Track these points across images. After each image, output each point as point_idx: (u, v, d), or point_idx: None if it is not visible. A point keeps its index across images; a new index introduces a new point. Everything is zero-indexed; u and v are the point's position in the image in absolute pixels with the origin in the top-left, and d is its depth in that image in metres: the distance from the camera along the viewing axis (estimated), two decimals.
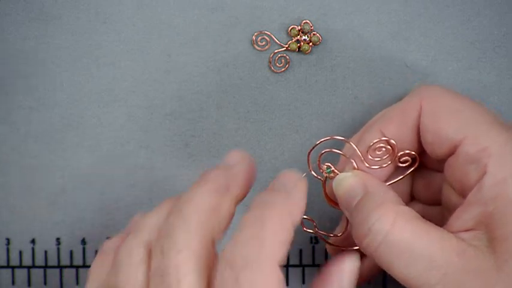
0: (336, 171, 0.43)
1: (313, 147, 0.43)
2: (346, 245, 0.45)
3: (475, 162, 0.39)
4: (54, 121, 0.49)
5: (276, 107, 0.49)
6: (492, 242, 0.38)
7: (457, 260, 0.38)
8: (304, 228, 0.44)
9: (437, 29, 0.48)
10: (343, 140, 0.43)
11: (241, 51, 0.49)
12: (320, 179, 0.44)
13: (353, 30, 0.48)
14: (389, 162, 0.43)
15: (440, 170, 0.43)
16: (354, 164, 0.43)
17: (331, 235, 0.45)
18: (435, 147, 0.41)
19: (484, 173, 0.39)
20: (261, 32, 0.49)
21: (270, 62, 0.49)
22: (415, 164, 0.43)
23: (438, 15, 0.48)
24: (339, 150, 0.44)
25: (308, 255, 0.50)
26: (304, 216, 0.44)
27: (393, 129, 0.42)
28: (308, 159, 0.44)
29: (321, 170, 0.43)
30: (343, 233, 0.44)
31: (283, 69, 0.49)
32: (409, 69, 0.49)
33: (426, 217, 0.45)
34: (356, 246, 0.43)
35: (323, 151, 0.43)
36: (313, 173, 0.44)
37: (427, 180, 0.45)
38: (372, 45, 0.49)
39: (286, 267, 0.50)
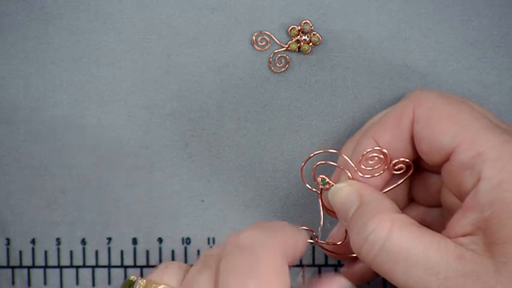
0: (330, 182, 0.43)
1: (306, 160, 0.43)
2: (346, 252, 0.45)
3: (470, 169, 0.39)
4: (54, 121, 0.49)
5: (276, 107, 0.49)
6: (490, 245, 0.38)
7: (455, 265, 0.38)
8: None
9: (437, 29, 0.48)
10: (335, 153, 0.44)
11: (241, 51, 0.49)
12: (316, 191, 0.44)
13: (353, 30, 0.48)
14: (382, 172, 0.43)
15: (439, 172, 0.43)
16: (348, 174, 0.43)
17: (331, 244, 0.45)
18: (430, 155, 0.41)
19: (479, 179, 0.39)
20: (261, 32, 0.49)
21: (270, 62, 0.49)
22: (409, 171, 0.43)
23: (438, 15, 0.48)
24: (332, 161, 0.44)
25: (308, 255, 0.50)
26: (304, 227, 0.44)
27: (387, 137, 0.42)
28: (302, 173, 0.44)
29: (316, 182, 0.43)
30: (342, 241, 0.44)
31: (283, 69, 0.49)
32: (409, 69, 0.49)
33: (426, 220, 0.45)
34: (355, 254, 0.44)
35: (317, 163, 0.43)
36: (308, 186, 0.44)
37: (426, 183, 0.45)
38: (371, 45, 0.49)
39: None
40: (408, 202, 0.46)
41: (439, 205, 0.45)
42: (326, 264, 0.50)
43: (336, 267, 0.50)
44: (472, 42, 0.49)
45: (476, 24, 0.48)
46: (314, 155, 0.43)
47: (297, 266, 0.50)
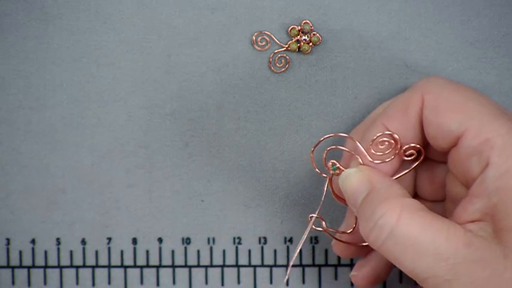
0: (341, 167, 0.43)
1: (317, 145, 0.43)
2: (356, 241, 0.45)
3: (477, 155, 0.39)
4: (54, 121, 0.49)
5: (276, 107, 0.49)
6: (498, 232, 0.38)
7: (464, 251, 0.38)
8: (314, 227, 0.44)
9: (437, 29, 0.48)
10: (346, 137, 0.44)
11: (241, 51, 0.49)
12: (326, 177, 0.44)
13: (353, 30, 0.48)
14: (393, 157, 0.43)
15: (445, 161, 0.43)
16: (359, 159, 0.42)
17: (341, 232, 0.45)
18: (438, 140, 0.42)
19: (487, 165, 0.39)
20: (261, 32, 0.49)
21: (270, 62, 0.49)
22: (420, 157, 0.43)
23: (438, 15, 0.48)
24: (342, 146, 0.44)
25: (308, 255, 0.50)
26: (313, 215, 0.44)
27: (396, 123, 0.43)
28: (312, 157, 0.44)
29: (327, 168, 0.43)
30: (353, 229, 0.44)
31: (283, 69, 0.49)
32: (409, 69, 0.49)
33: None
34: (365, 242, 0.44)
35: (328, 148, 0.43)
36: (317, 170, 0.44)
37: (431, 173, 0.45)
38: (372, 45, 0.49)
39: (287, 267, 0.50)
40: (413, 196, 0.46)
41: (443, 199, 0.45)
42: (326, 264, 0.50)
43: (336, 267, 0.50)
44: (472, 42, 0.49)
45: (476, 24, 0.48)
46: (324, 138, 0.43)
47: (297, 266, 0.50)
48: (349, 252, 0.46)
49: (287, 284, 0.49)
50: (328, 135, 0.43)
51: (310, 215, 0.44)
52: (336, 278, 0.50)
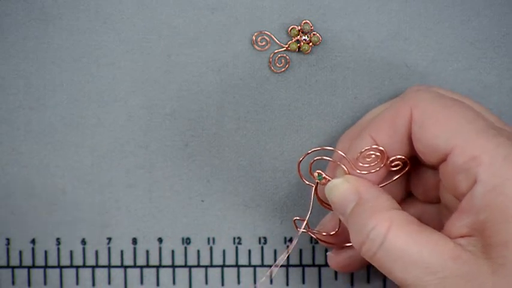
0: (327, 177, 0.43)
1: (303, 158, 0.44)
2: (338, 242, 0.45)
3: (465, 172, 0.39)
4: (54, 121, 0.49)
5: (276, 107, 0.49)
6: (487, 247, 0.39)
7: (452, 265, 0.38)
8: (298, 229, 0.44)
9: (437, 29, 0.48)
10: (333, 150, 0.44)
11: (241, 51, 0.49)
12: (311, 185, 0.44)
13: (353, 30, 0.48)
14: (378, 169, 0.43)
15: (436, 168, 0.43)
16: (345, 169, 0.43)
17: (324, 233, 0.45)
18: (427, 156, 0.42)
19: (475, 182, 0.39)
20: (261, 32, 0.49)
21: (270, 62, 0.49)
22: (406, 167, 0.44)
23: (438, 15, 0.48)
24: (329, 157, 0.44)
25: (308, 255, 0.50)
26: (297, 218, 0.44)
27: (384, 136, 0.43)
28: (298, 169, 0.44)
29: (312, 177, 0.44)
30: (336, 232, 0.45)
31: (283, 69, 0.49)
32: (409, 69, 0.49)
33: (424, 216, 0.45)
34: (348, 243, 0.44)
35: (314, 159, 0.44)
36: (304, 180, 0.44)
37: (424, 177, 0.45)
38: (371, 45, 0.49)
39: (286, 267, 0.50)
40: (406, 196, 0.46)
41: (437, 201, 0.45)
42: (326, 264, 0.50)
43: None
44: (472, 42, 0.49)
45: (476, 24, 0.48)
46: (312, 151, 0.44)
47: (297, 266, 0.50)
48: (335, 247, 0.47)
49: (271, 282, 0.50)
50: (315, 148, 0.44)
51: (294, 219, 0.45)
52: (335, 278, 0.50)
